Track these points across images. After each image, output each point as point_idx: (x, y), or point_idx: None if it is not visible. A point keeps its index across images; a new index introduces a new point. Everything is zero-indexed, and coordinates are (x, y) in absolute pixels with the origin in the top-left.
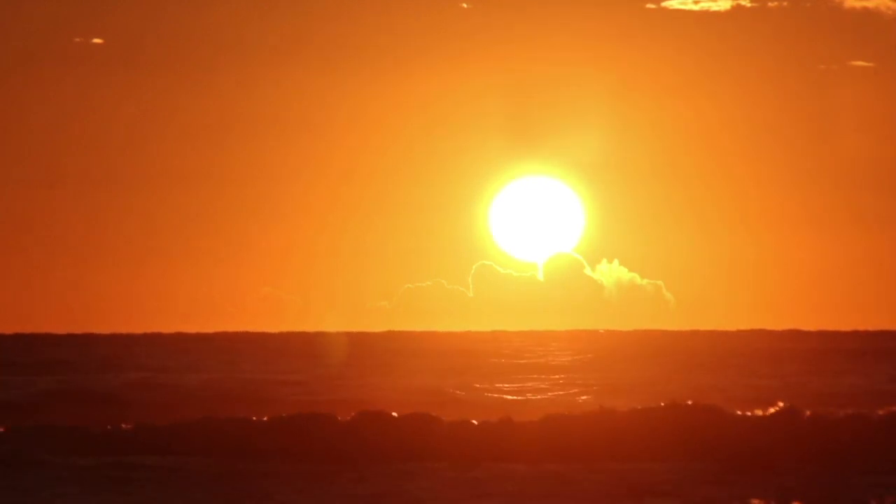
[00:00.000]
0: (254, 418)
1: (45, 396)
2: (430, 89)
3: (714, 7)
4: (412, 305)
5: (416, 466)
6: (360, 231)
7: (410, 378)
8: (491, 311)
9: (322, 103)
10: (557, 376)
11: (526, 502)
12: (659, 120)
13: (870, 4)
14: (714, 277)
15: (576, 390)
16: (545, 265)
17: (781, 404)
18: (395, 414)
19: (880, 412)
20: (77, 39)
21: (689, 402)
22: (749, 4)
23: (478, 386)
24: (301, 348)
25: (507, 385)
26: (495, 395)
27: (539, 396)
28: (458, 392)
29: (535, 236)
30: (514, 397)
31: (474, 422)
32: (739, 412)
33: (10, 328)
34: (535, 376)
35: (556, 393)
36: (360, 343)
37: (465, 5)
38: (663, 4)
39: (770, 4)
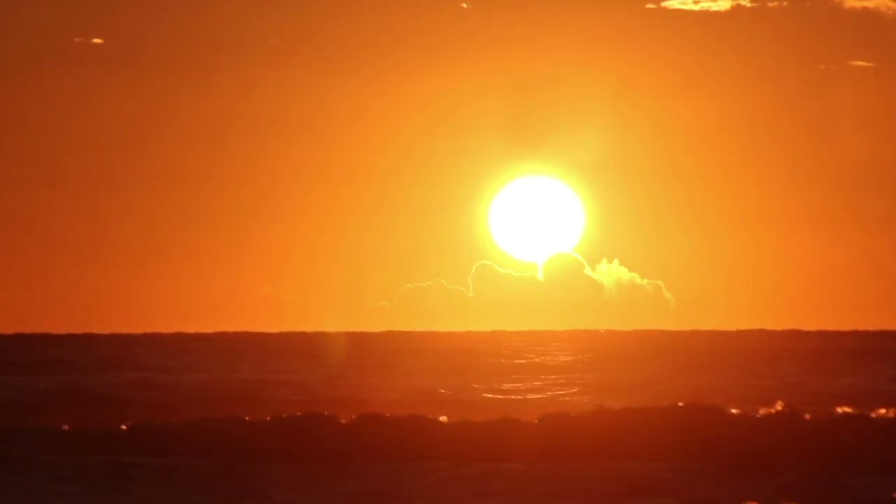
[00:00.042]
0: (251, 418)
1: (44, 396)
2: (430, 89)
3: (714, 7)
4: (412, 305)
5: (414, 466)
6: (360, 231)
7: (410, 378)
8: (491, 311)
9: (322, 103)
10: (557, 376)
11: (524, 501)
12: (659, 120)
13: (870, 4)
14: (714, 277)
15: (575, 390)
16: (545, 265)
17: (780, 406)
18: (392, 414)
19: (880, 412)
20: (77, 39)
21: (683, 404)
22: (749, 4)
23: (477, 386)
24: (301, 348)
25: (506, 385)
26: (494, 396)
27: (538, 396)
28: (457, 392)
29: (535, 236)
30: (513, 397)
31: (473, 422)
32: (739, 412)
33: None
34: (534, 376)
35: (555, 393)
36: (359, 343)
37: (465, 5)
38: (663, 4)
39: (770, 4)
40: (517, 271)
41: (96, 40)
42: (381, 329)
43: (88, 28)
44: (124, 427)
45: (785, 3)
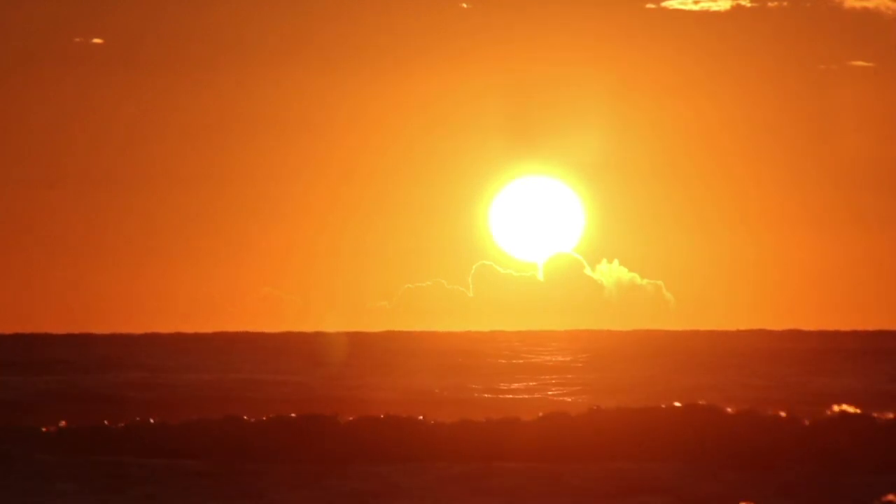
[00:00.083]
0: (250, 418)
1: (43, 396)
2: (430, 89)
3: (714, 7)
4: (412, 305)
5: (413, 466)
6: (360, 231)
7: (410, 378)
8: (491, 311)
9: (322, 103)
10: (556, 376)
11: (522, 500)
12: (659, 120)
13: (870, 4)
14: (714, 277)
15: (574, 390)
16: (545, 265)
17: (781, 407)
18: (391, 414)
19: (880, 412)
20: (77, 39)
21: (682, 404)
22: (749, 4)
23: (475, 386)
24: (301, 348)
25: (504, 385)
26: (493, 396)
27: (536, 396)
28: (455, 392)
29: (535, 236)
30: (511, 397)
31: (472, 421)
32: (738, 412)
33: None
34: (533, 376)
35: (553, 393)
36: (359, 343)
37: (465, 5)
38: (663, 4)
39: (770, 4)
40: (517, 271)
41: (96, 40)
42: (381, 329)
43: (88, 28)
44: (123, 427)
45: (785, 3)
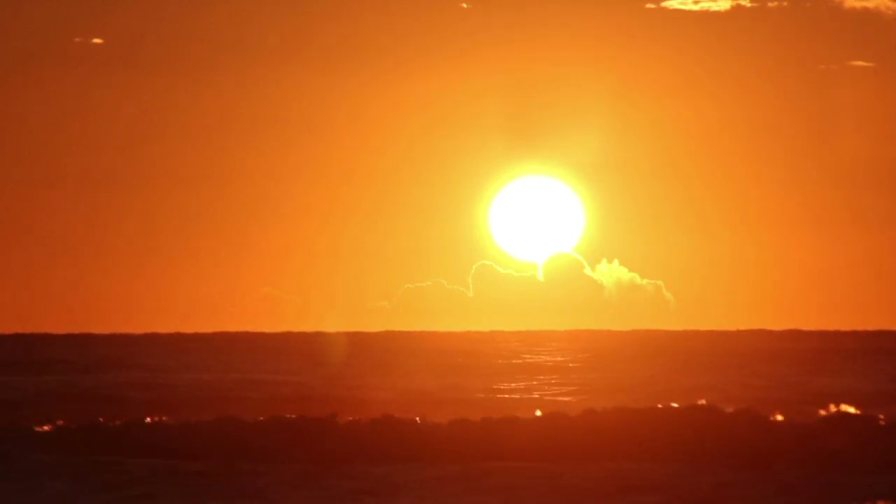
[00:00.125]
0: (250, 419)
1: (43, 396)
2: (430, 89)
3: (714, 7)
4: (412, 305)
5: (411, 466)
6: (360, 231)
7: (409, 378)
8: (491, 311)
9: (322, 103)
10: (555, 376)
11: (519, 498)
12: (659, 120)
13: (870, 4)
14: (714, 277)
15: (573, 390)
16: (545, 265)
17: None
18: (390, 414)
19: (879, 412)
20: (77, 39)
21: (681, 404)
22: (749, 4)
23: (475, 386)
24: (301, 348)
25: (504, 385)
26: (492, 396)
27: (536, 396)
28: (454, 392)
29: (535, 236)
30: (510, 397)
31: (470, 421)
32: (739, 412)
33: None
34: (532, 377)
35: (552, 393)
36: (359, 343)
37: (465, 5)
38: (663, 4)
39: (770, 4)
40: (517, 271)
41: (96, 40)
42: (381, 329)
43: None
44: (121, 426)
45: (785, 3)
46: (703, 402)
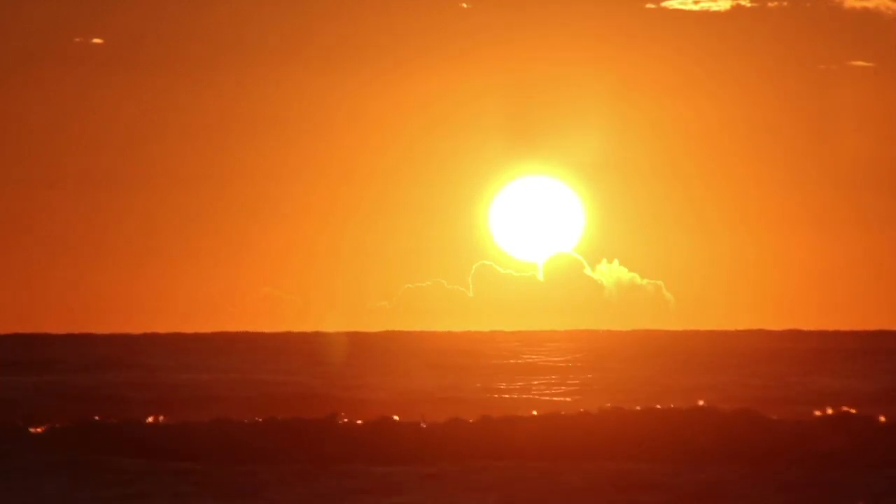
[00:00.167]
0: (249, 419)
1: (42, 396)
2: (430, 89)
3: (714, 7)
4: (412, 305)
5: (409, 465)
6: (360, 231)
7: (409, 378)
8: (491, 311)
9: (322, 103)
10: (555, 377)
11: (516, 496)
12: (659, 120)
13: (870, 4)
14: (714, 277)
15: (572, 390)
16: (545, 265)
17: (782, 414)
18: (388, 415)
19: (879, 412)
20: (77, 39)
21: (673, 405)
22: (749, 4)
23: (474, 386)
24: (301, 348)
25: (503, 385)
26: (491, 396)
27: (535, 397)
28: (453, 392)
29: (535, 236)
30: (508, 396)
31: (468, 421)
32: (737, 412)
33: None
34: (532, 377)
35: (551, 393)
36: (359, 343)
37: (465, 5)
38: (663, 4)
39: (770, 4)
40: (517, 271)
41: (96, 40)
42: (381, 329)
43: (88, 28)
44: (119, 426)
45: (785, 3)
46: (701, 402)
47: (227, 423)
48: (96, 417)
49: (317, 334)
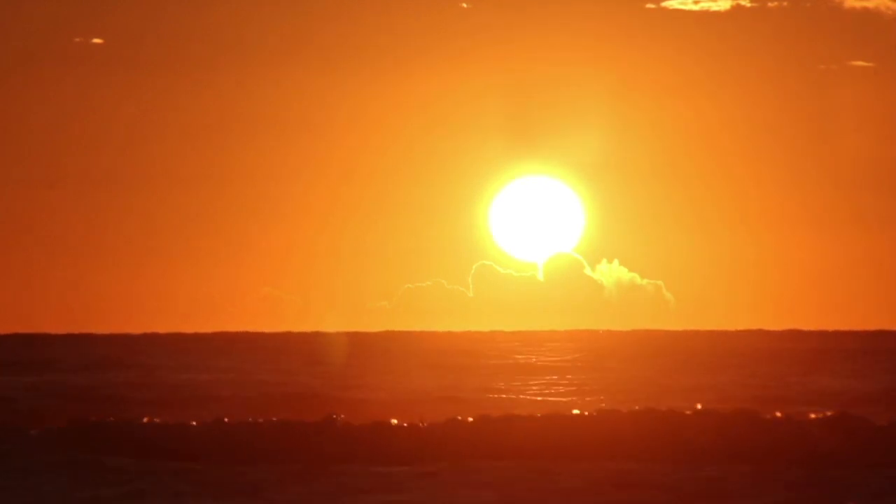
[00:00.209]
0: (249, 419)
1: (42, 395)
2: (430, 89)
3: (714, 7)
4: (412, 305)
5: (407, 465)
6: (360, 231)
7: (409, 378)
8: (491, 311)
9: (322, 103)
10: (554, 377)
11: (512, 494)
12: (659, 120)
13: (870, 4)
14: (714, 277)
15: (571, 390)
16: (545, 265)
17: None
18: (387, 415)
19: (878, 412)
20: (77, 39)
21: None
22: (749, 4)
23: (473, 386)
24: (301, 348)
25: (503, 385)
26: (491, 396)
27: (533, 397)
28: (453, 392)
29: (535, 236)
30: (507, 396)
31: (466, 420)
32: (738, 413)
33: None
34: (531, 377)
35: (550, 393)
36: (359, 343)
37: (465, 5)
38: (663, 4)
39: (770, 4)
40: (517, 271)
41: (96, 40)
42: (381, 329)
43: (88, 28)
44: (118, 425)
45: (785, 3)
46: (699, 406)
47: (226, 424)
48: (96, 417)
49: (317, 334)
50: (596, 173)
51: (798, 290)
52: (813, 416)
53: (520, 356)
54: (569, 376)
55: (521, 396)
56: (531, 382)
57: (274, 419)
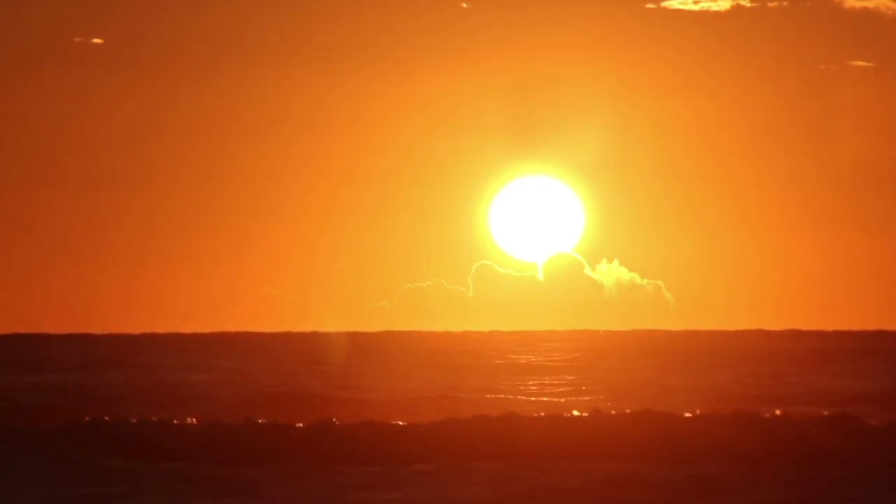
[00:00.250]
0: (249, 419)
1: (41, 395)
2: (430, 89)
3: (714, 7)
4: (412, 305)
5: (405, 464)
6: (360, 231)
7: (409, 379)
8: (491, 311)
9: (322, 103)
10: (554, 377)
11: (508, 492)
12: (659, 120)
13: (870, 4)
14: (714, 277)
15: (570, 390)
16: (545, 265)
17: (778, 412)
18: (385, 415)
19: (878, 413)
20: (77, 39)
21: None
22: (749, 4)
23: (472, 386)
24: (301, 348)
25: (501, 384)
26: (490, 396)
27: (533, 397)
28: (452, 392)
29: (535, 236)
30: (506, 396)
31: (465, 420)
32: (739, 412)
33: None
34: (530, 377)
35: (550, 393)
36: (359, 343)
37: (465, 5)
38: (663, 4)
39: (770, 4)
40: (517, 271)
41: (96, 40)
42: (381, 329)
43: (88, 28)
44: (117, 425)
45: (785, 3)
46: (698, 411)
47: (224, 424)
48: (95, 417)
49: (317, 334)
50: (596, 173)
51: (798, 290)
52: (812, 415)
53: (519, 356)
54: (568, 376)
55: (521, 396)
56: (530, 382)
57: (272, 420)
